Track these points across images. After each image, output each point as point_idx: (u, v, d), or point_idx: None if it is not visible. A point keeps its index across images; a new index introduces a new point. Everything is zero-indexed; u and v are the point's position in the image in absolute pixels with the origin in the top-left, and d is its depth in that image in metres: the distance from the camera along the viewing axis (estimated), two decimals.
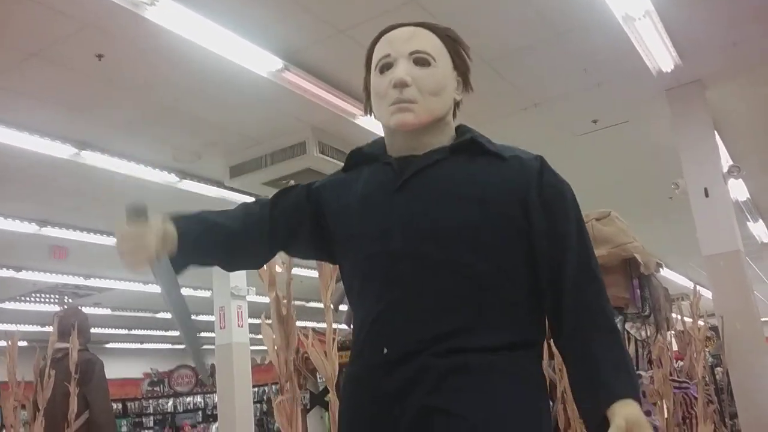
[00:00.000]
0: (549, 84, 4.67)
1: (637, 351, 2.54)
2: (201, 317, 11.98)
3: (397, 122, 1.20)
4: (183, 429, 11.97)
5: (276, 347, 1.89)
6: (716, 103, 4.94)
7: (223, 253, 1.32)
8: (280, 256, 1.60)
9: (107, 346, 13.58)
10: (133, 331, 13.37)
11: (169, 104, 4.49)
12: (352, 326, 1.32)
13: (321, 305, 2.01)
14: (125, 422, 11.58)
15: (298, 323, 2.01)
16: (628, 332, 2.46)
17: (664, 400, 2.66)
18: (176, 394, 12.27)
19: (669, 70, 4.47)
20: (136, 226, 1.16)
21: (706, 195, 4.56)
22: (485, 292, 1.14)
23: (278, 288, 1.92)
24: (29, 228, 6.44)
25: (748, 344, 4.26)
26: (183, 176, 5.63)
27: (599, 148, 5.82)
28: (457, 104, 1.31)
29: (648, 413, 2.40)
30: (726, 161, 5.22)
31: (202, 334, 14.23)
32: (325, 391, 3.54)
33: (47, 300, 9.94)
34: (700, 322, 4.24)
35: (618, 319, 2.41)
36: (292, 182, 1.42)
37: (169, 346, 15.56)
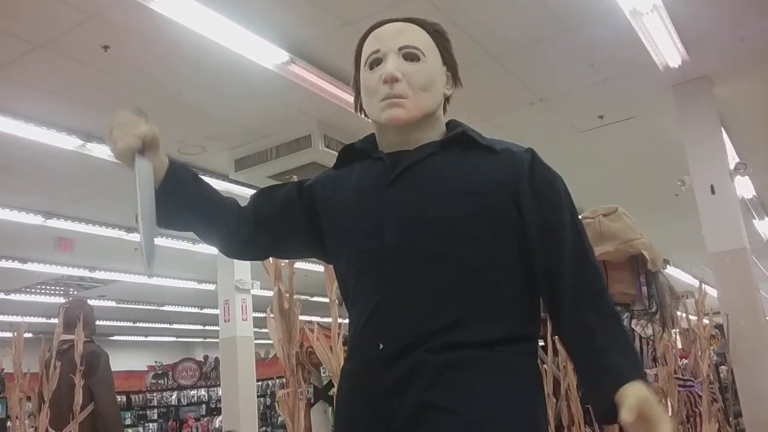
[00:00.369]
0: (555, 79, 4.65)
1: (641, 348, 2.53)
2: (205, 310, 12.06)
3: (388, 118, 1.20)
4: (187, 422, 12.01)
5: (280, 341, 1.89)
6: (723, 100, 4.91)
7: (203, 212, 1.29)
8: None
9: (112, 338, 13.63)
10: (138, 324, 13.42)
11: (174, 96, 4.48)
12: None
13: (326, 300, 2.01)
14: (129, 415, 11.61)
15: (303, 317, 2.01)
16: (633, 329, 2.45)
17: (668, 398, 2.65)
18: (180, 387, 12.30)
19: (676, 66, 4.45)
20: (136, 117, 1.19)
21: (713, 192, 4.54)
22: (480, 287, 1.14)
23: (282, 282, 1.91)
24: (35, 220, 6.46)
25: (753, 342, 4.25)
26: None
27: (605, 143, 5.80)
28: (447, 99, 1.30)
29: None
30: (732, 158, 5.20)
31: (207, 328, 14.26)
32: (329, 385, 3.54)
33: (52, 292, 9.98)
34: (705, 320, 4.22)
35: (624, 316, 2.40)
36: (295, 178, 1.41)
37: (173, 338, 15.63)
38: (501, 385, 1.10)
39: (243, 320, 7.04)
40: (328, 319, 2.03)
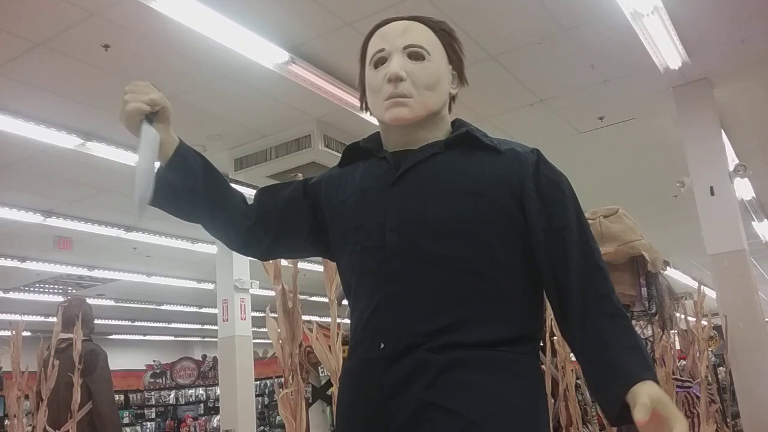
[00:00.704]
0: (556, 80, 4.65)
1: None
2: (203, 309, 12.06)
3: (393, 117, 1.20)
4: (185, 421, 12.00)
5: (281, 340, 1.89)
6: (723, 102, 4.92)
7: (208, 197, 1.28)
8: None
9: (110, 337, 13.63)
10: (136, 323, 13.42)
11: (174, 95, 4.48)
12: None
13: (324, 299, 2.01)
14: (127, 414, 11.59)
15: (303, 317, 2.01)
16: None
17: None
18: (178, 387, 12.30)
19: (676, 68, 4.45)
20: (148, 85, 1.23)
21: (712, 194, 4.55)
22: (481, 288, 1.13)
23: (284, 281, 1.91)
24: (34, 218, 6.46)
25: (751, 344, 4.26)
26: None
27: (605, 144, 5.81)
28: (452, 98, 1.29)
29: None
30: (732, 160, 5.20)
31: (206, 327, 14.24)
32: (328, 384, 3.54)
33: (51, 290, 9.98)
34: (704, 322, 4.23)
35: None
36: (300, 176, 1.41)
37: (171, 338, 15.62)
38: (502, 384, 1.10)
39: (242, 319, 7.03)
40: (327, 319, 2.03)
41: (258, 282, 7.18)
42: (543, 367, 2.50)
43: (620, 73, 4.58)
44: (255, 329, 7.22)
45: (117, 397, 8.03)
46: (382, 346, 1.13)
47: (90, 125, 4.75)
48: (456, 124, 1.28)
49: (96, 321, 3.81)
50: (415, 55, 1.21)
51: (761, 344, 4.29)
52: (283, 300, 1.88)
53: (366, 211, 1.21)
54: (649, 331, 2.49)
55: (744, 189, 6.56)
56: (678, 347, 4.73)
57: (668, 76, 4.60)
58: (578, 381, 2.96)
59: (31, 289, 9.79)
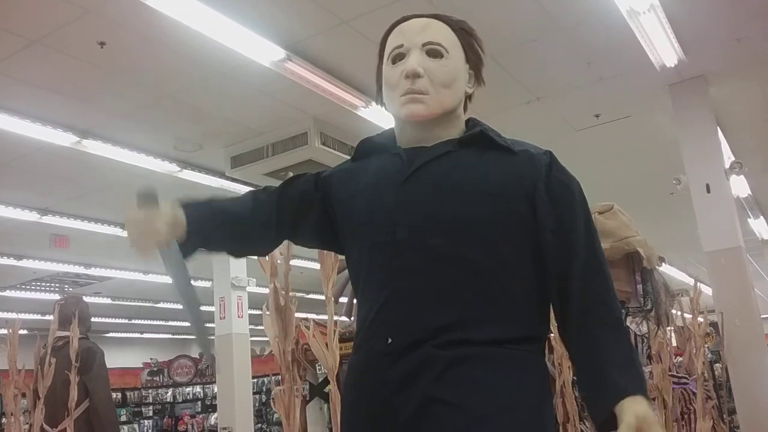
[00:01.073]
0: (552, 78, 4.66)
1: (636, 346, 2.54)
2: (201, 307, 12.03)
3: (408, 113, 1.20)
4: (182, 419, 12.00)
5: (276, 337, 1.89)
6: (719, 99, 4.92)
7: (231, 239, 1.32)
8: (279, 247, 1.60)
9: (107, 335, 13.61)
10: (133, 321, 13.40)
11: (170, 93, 4.47)
12: (353, 317, 1.31)
13: (322, 297, 2.01)
14: (125, 412, 11.59)
15: (299, 314, 2.01)
16: (628, 327, 2.46)
17: (663, 396, 2.66)
18: (176, 384, 12.29)
19: (672, 65, 4.46)
20: (146, 211, 1.16)
21: (708, 191, 4.55)
22: (489, 287, 1.14)
23: (277, 278, 1.92)
24: (30, 216, 6.44)
25: (747, 341, 4.27)
26: (184, 166, 5.63)
27: (601, 142, 5.81)
28: (468, 97, 1.29)
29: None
30: (728, 157, 5.21)
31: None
32: (325, 382, 3.54)
33: (48, 288, 9.96)
34: (700, 318, 4.24)
35: None
36: (291, 173, 1.41)
37: (169, 336, 15.60)
38: (508, 380, 1.10)
39: (239, 317, 7.04)
40: (324, 317, 2.03)
41: (255, 279, 7.18)
42: None
43: (616, 71, 4.59)
44: (252, 327, 7.22)
45: (114, 395, 8.02)
46: (390, 340, 1.14)
47: (86, 123, 4.74)
48: (470, 123, 1.29)
49: (93, 319, 3.80)
50: (434, 52, 1.22)
51: (757, 341, 4.30)
52: (275, 297, 1.88)
53: (377, 206, 1.21)
54: (644, 328, 2.49)
55: (740, 186, 6.58)
56: (674, 344, 4.74)
57: (664, 74, 4.61)
58: (575, 378, 2.96)
59: (28, 287, 9.78)
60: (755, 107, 5.51)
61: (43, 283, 9.67)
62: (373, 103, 4.20)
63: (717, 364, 5.84)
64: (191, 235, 1.22)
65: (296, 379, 1.90)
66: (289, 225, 1.34)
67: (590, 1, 3.76)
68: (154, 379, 12.32)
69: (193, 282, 1.18)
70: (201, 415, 12.04)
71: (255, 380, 9.37)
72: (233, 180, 5.69)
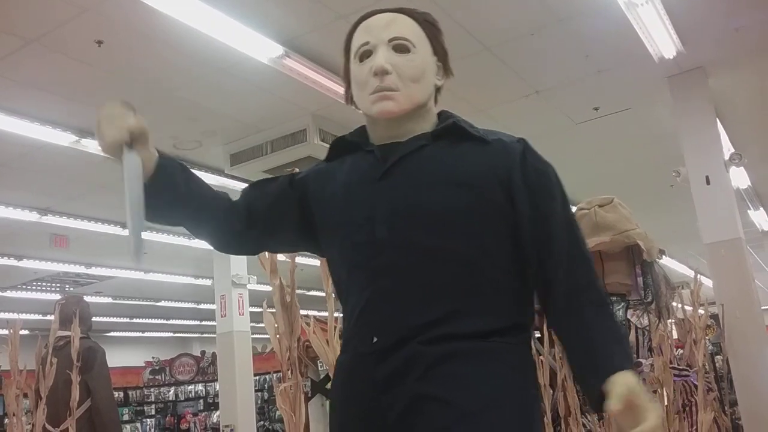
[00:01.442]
0: (551, 71, 4.65)
1: (637, 339, 2.53)
2: (202, 305, 12.05)
3: (379, 111, 1.20)
4: (184, 417, 12.01)
5: (278, 335, 1.89)
6: (718, 91, 4.91)
7: (193, 207, 1.26)
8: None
9: (108, 334, 13.61)
10: (135, 320, 13.40)
11: (168, 91, 4.47)
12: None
13: (322, 294, 2.01)
14: (127, 411, 11.61)
15: (300, 311, 2.01)
16: (629, 320, 2.46)
17: (664, 388, 2.66)
18: (178, 383, 12.30)
19: (671, 57, 4.45)
20: (125, 110, 1.16)
21: (708, 183, 4.55)
22: (472, 278, 1.14)
23: (281, 276, 1.91)
24: (30, 216, 6.44)
25: (748, 332, 4.27)
26: None
27: (600, 135, 5.81)
28: (438, 90, 1.29)
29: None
30: (727, 149, 5.20)
31: (204, 323, 14.25)
32: (326, 379, 3.55)
33: (48, 288, 9.96)
34: (701, 311, 4.24)
35: (620, 307, 2.41)
36: (297, 170, 1.40)
37: (170, 334, 15.61)
38: (495, 375, 1.10)
39: (240, 315, 7.04)
40: (325, 313, 2.03)
41: (255, 277, 7.18)
42: (541, 357, 2.50)
43: (615, 63, 4.58)
44: (253, 324, 7.23)
45: (116, 394, 8.04)
46: (375, 340, 1.14)
47: (84, 122, 4.73)
48: (442, 115, 1.28)
49: (94, 318, 3.80)
50: (400, 47, 1.21)
51: (758, 332, 4.31)
52: (281, 294, 1.88)
53: (354, 205, 1.20)
54: (645, 320, 2.49)
55: (740, 178, 6.57)
56: (675, 336, 4.74)
57: (663, 66, 4.60)
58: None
59: (29, 287, 9.78)
60: (754, 98, 5.51)
61: (44, 283, 9.67)
62: None
63: (718, 356, 5.85)
64: (157, 177, 1.18)
65: (299, 375, 1.90)
66: (263, 225, 1.30)
67: None
68: (156, 377, 12.34)
69: (142, 193, 1.13)
70: (203, 414, 12.06)
71: (257, 378, 9.37)
72: (233, 177, 5.68)
